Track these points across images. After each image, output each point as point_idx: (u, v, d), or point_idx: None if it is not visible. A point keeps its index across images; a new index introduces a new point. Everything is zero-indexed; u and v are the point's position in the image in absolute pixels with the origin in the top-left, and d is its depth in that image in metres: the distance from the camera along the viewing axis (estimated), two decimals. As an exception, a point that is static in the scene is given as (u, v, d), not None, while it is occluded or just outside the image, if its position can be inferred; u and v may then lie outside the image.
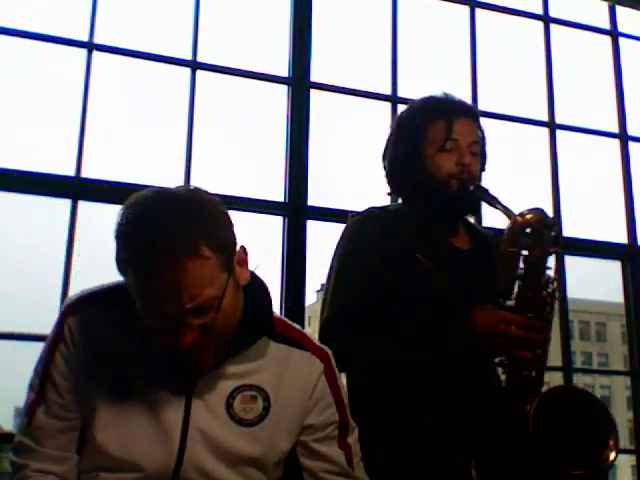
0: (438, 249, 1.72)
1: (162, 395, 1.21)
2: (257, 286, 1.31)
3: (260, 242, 2.75)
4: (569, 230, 3.13)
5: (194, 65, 2.71)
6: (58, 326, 1.25)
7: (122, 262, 1.14)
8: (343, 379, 1.48)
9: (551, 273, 1.63)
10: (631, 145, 3.35)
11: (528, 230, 1.62)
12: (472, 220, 1.89)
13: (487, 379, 1.69)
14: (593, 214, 3.37)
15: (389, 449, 1.60)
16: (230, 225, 1.20)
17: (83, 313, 1.25)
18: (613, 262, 3.23)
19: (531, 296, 1.60)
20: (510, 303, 1.61)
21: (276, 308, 2.51)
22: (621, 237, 3.23)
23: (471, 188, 1.70)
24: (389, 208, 1.83)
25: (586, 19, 3.49)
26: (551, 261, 1.63)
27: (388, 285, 1.66)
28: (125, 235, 1.13)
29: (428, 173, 1.74)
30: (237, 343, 1.23)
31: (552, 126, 3.23)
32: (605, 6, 3.53)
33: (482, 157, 1.81)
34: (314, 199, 2.72)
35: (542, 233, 1.61)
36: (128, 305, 1.17)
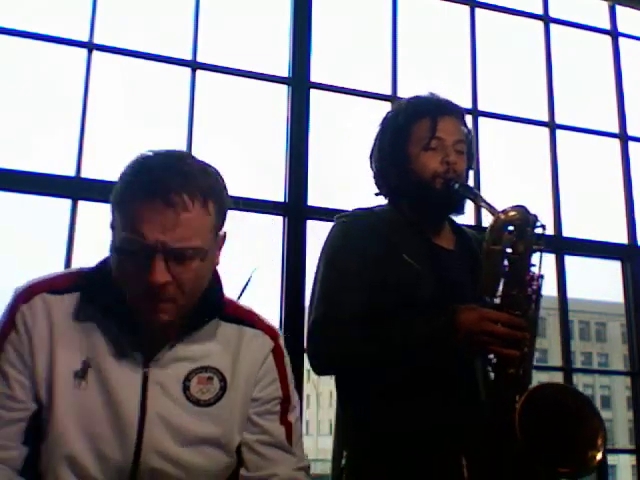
0: (424, 249, 1.72)
1: (119, 381, 1.20)
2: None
3: (260, 242, 2.76)
4: (569, 230, 3.13)
5: (194, 65, 2.71)
6: (8, 315, 1.22)
7: (126, 190, 1.14)
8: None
9: (535, 270, 1.62)
10: (631, 145, 3.35)
11: (511, 227, 1.61)
12: (456, 219, 1.87)
13: (474, 378, 1.68)
14: (593, 214, 3.37)
15: (378, 450, 1.59)
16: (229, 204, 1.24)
17: (36, 300, 1.23)
18: (613, 262, 3.23)
19: (515, 293, 1.59)
20: (495, 301, 1.60)
21: (276, 308, 2.55)
22: (621, 237, 3.23)
23: (456, 186, 1.69)
24: (375, 209, 1.81)
25: (586, 19, 3.49)
26: (535, 258, 1.62)
27: (374, 287, 1.65)
28: (142, 167, 1.14)
29: (413, 172, 1.73)
30: (189, 324, 1.23)
31: (552, 126, 3.23)
32: (605, 6, 3.53)
33: (469, 155, 1.79)
34: (314, 199, 2.72)
35: (525, 230, 1.60)
36: (83, 289, 1.21)
